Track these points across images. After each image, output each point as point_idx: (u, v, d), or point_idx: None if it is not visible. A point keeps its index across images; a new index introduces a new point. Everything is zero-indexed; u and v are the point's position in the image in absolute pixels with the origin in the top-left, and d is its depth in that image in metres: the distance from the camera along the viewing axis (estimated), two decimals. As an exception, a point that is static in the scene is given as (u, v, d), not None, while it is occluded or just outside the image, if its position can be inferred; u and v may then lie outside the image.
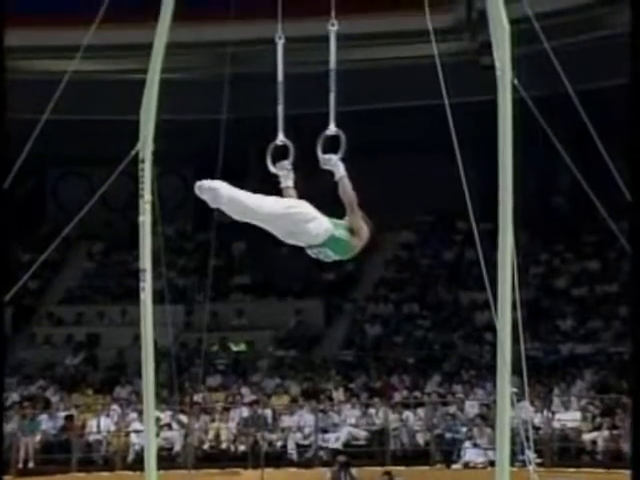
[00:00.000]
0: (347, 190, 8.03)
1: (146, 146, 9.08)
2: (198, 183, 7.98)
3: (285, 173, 8.24)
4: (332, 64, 8.27)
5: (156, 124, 9.10)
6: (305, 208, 8.04)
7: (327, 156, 8.05)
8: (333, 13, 8.18)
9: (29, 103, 13.27)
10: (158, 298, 9.51)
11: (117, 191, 9.41)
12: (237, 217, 8.13)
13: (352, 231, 8.14)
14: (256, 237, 29.41)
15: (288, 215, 7.99)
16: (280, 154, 8.27)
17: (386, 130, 25.17)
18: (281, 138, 8.23)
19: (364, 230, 8.18)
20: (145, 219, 9.09)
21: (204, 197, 7.94)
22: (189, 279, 27.73)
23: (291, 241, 8.23)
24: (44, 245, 10.33)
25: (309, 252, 8.31)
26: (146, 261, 9.13)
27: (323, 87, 8.27)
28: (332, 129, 8.09)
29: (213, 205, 7.96)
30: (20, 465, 22.46)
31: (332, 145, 8.08)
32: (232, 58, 18.47)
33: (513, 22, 8.54)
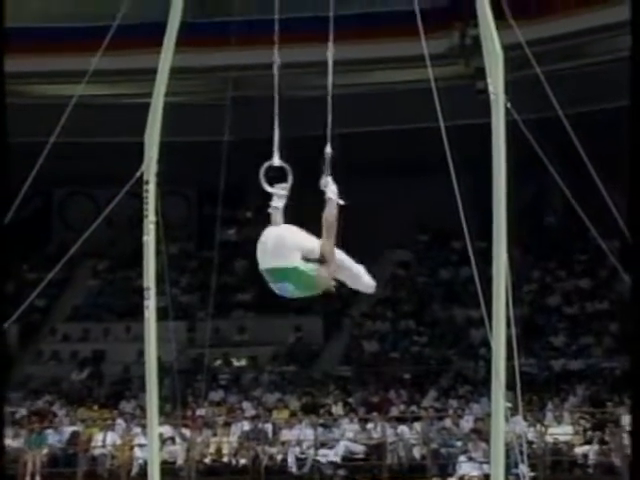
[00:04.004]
0: (331, 213, 7.88)
1: (150, 168, 9.09)
2: None
3: (280, 195, 8.15)
4: (329, 88, 8.27)
5: (160, 146, 9.13)
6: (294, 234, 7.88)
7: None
8: (331, 42, 8.19)
9: (37, 126, 13.29)
10: (162, 315, 9.51)
11: (122, 210, 9.40)
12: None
13: (320, 261, 7.91)
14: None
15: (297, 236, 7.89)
16: (279, 175, 8.24)
17: (384, 151, 25.21)
18: (277, 160, 8.18)
19: (333, 259, 7.99)
20: (149, 239, 9.10)
21: None
22: (192, 296, 27.74)
23: (262, 257, 8.00)
24: (50, 264, 10.32)
25: (272, 286, 8.08)
26: (150, 279, 9.13)
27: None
28: (328, 151, 8.06)
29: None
30: (27, 479, 22.39)
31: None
32: (234, 82, 18.52)
33: (506, 48, 8.58)
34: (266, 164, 8.06)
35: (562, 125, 8.90)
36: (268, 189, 8.11)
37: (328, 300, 27.98)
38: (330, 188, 7.94)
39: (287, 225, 7.98)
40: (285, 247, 7.82)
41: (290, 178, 8.12)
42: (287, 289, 7.97)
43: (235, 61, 19.10)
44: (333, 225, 7.92)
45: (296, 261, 7.83)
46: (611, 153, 19.29)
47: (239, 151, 13.73)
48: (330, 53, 8.26)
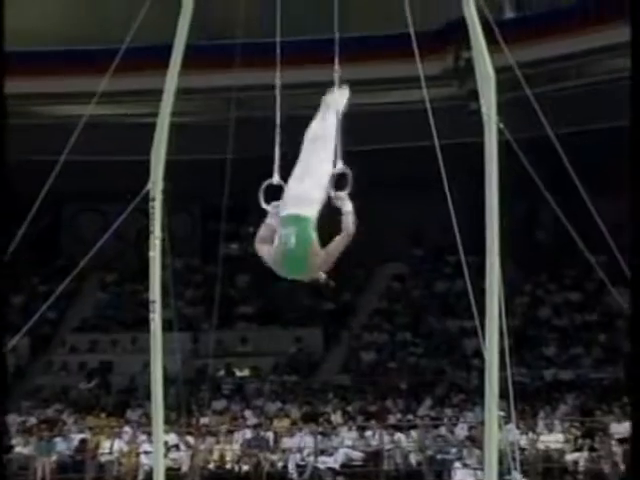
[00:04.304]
0: (350, 225, 7.73)
1: (156, 185, 9.10)
2: None
3: (274, 212, 8.08)
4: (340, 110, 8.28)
5: (166, 164, 9.14)
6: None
7: (338, 192, 7.85)
8: (337, 64, 8.21)
9: (48, 145, 13.31)
10: (167, 327, 9.51)
11: (129, 226, 9.41)
12: (314, 127, 8.05)
13: (322, 246, 7.77)
14: (260, 270, 29.56)
15: (324, 175, 7.81)
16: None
17: (380, 168, 25.22)
18: (276, 179, 8.14)
19: (331, 257, 7.81)
20: (155, 254, 9.10)
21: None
22: (196, 309, 27.70)
23: (292, 189, 7.83)
24: (60, 276, 10.32)
25: (275, 241, 7.81)
26: (156, 293, 9.13)
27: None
28: (340, 167, 8.04)
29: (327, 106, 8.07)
30: (37, 484, 22.39)
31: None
32: (237, 103, 18.52)
33: (498, 71, 8.61)
34: (265, 182, 8.05)
35: (552, 144, 8.92)
36: (264, 206, 8.09)
37: (327, 312, 28.04)
38: (345, 203, 7.82)
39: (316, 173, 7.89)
40: (307, 196, 7.75)
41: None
42: (289, 239, 7.68)
43: (238, 82, 19.10)
44: (350, 235, 7.77)
45: (310, 214, 7.72)
46: (599, 172, 19.36)
47: (242, 169, 13.72)
48: (337, 75, 8.26)
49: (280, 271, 7.95)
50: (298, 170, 7.92)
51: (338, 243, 7.77)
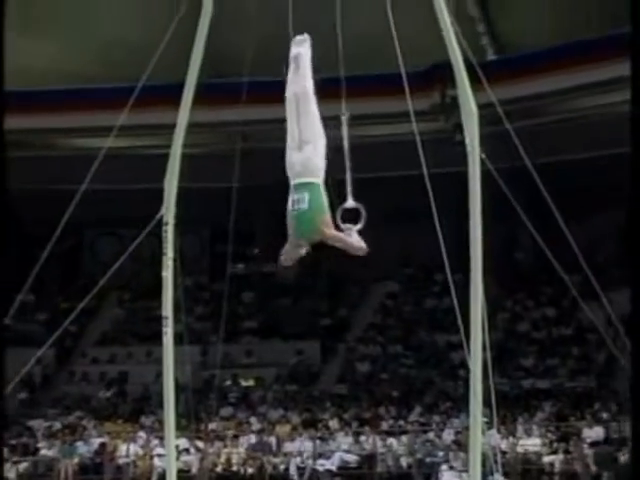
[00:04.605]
0: (349, 245, 7.76)
1: (169, 210, 9.10)
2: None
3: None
4: (345, 142, 8.28)
5: (177, 191, 9.13)
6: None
7: (347, 225, 7.89)
8: (344, 106, 8.22)
9: (71, 174, 13.30)
10: (178, 340, 9.48)
11: (144, 248, 9.39)
12: (289, 101, 7.76)
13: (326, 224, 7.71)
14: (263, 288, 29.53)
15: (319, 137, 7.72)
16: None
17: (374, 195, 25.22)
18: (351, 202, 8.02)
19: (336, 240, 7.74)
20: (167, 274, 9.09)
21: (292, 52, 7.76)
22: (205, 324, 27.66)
23: (294, 162, 7.75)
24: (81, 294, 10.29)
25: (288, 206, 7.75)
26: (168, 309, 9.12)
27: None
28: (350, 203, 8.02)
29: (291, 61, 7.75)
30: (60, 484, 22.33)
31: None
32: (242, 136, 18.55)
33: (480, 107, 8.62)
34: (341, 207, 7.89)
35: (530, 173, 8.93)
36: (342, 225, 7.90)
37: (325, 326, 27.98)
38: (353, 235, 7.81)
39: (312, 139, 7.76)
40: (314, 163, 7.70)
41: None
42: (303, 201, 7.65)
43: (243, 117, 19.14)
44: (347, 247, 7.80)
45: (319, 179, 7.70)
46: (572, 198, 19.36)
47: (246, 196, 13.72)
48: (345, 117, 8.26)
49: (292, 232, 7.82)
50: (293, 137, 7.78)
51: (345, 239, 7.77)
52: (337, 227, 7.87)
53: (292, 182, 7.78)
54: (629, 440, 20.97)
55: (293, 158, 7.77)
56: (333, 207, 7.85)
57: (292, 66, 7.89)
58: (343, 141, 8.22)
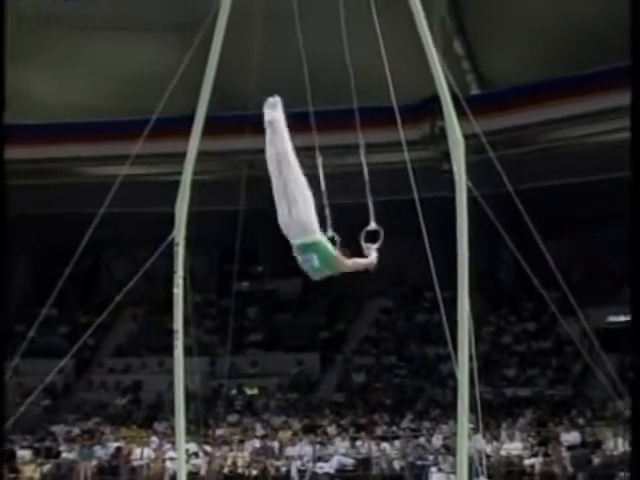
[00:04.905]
0: (361, 264, 7.78)
1: (179, 233, 9.08)
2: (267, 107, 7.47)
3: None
4: (364, 169, 8.27)
5: (188, 215, 9.12)
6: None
7: (368, 244, 7.97)
8: (361, 141, 8.23)
9: (90, 200, 13.29)
10: (188, 352, 9.44)
11: (157, 267, 9.37)
12: (271, 160, 7.46)
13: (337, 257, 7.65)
14: (267, 303, 29.48)
15: (305, 193, 7.47)
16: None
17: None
18: (373, 225, 8.10)
19: (356, 266, 7.77)
20: (178, 291, 9.06)
21: (266, 117, 7.46)
22: (213, 337, 27.60)
23: (287, 224, 7.51)
24: (99, 310, 10.27)
25: (298, 259, 7.60)
26: (179, 323, 9.08)
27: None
28: (373, 225, 8.07)
29: (267, 126, 7.45)
30: (80, 485, 22.26)
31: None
32: (248, 163, 18.54)
33: (466, 137, 8.62)
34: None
35: (512, 198, 8.93)
36: (365, 246, 7.92)
37: (324, 339, 27.92)
38: (372, 253, 7.88)
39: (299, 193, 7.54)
40: (307, 221, 7.51)
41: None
42: (313, 260, 7.53)
43: (249, 146, 19.14)
44: (359, 268, 7.82)
45: (318, 234, 7.56)
46: (551, 220, 19.36)
47: (252, 219, 13.73)
48: (361, 145, 8.26)
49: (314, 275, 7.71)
50: (279, 193, 7.53)
51: (360, 262, 7.80)
52: (357, 247, 7.86)
53: (293, 242, 7.59)
54: (603, 443, 20.98)
55: (287, 220, 7.51)
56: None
57: (268, 130, 7.60)
58: (363, 168, 8.20)
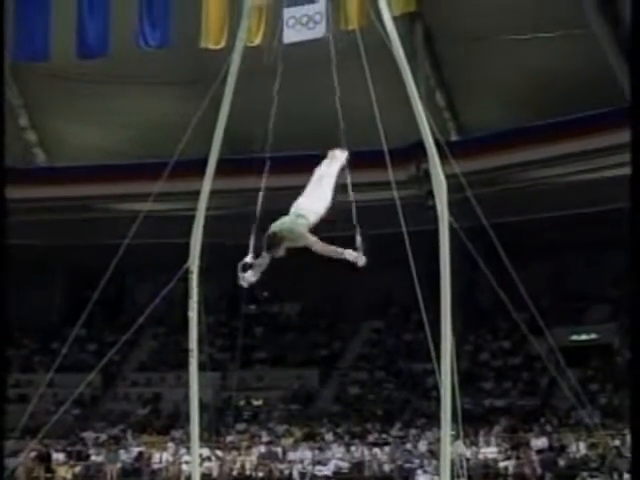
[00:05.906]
0: (335, 253, 7.68)
1: (194, 262, 9.09)
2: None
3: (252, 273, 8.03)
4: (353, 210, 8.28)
5: (201, 246, 9.12)
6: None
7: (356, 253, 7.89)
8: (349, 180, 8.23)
9: (116, 232, 13.29)
10: (202, 367, 9.41)
11: (174, 291, 9.38)
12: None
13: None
14: (271, 324, 29.38)
15: (327, 194, 7.85)
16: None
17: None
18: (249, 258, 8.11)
19: (316, 245, 7.62)
20: (193, 313, 9.06)
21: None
22: (224, 354, 27.46)
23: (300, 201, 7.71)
24: (123, 329, 10.24)
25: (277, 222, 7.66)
26: (193, 342, 9.08)
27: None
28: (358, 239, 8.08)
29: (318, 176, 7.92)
30: (107, 486, 22.16)
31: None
32: (256, 200, 18.55)
33: (448, 177, 8.64)
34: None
35: (488, 231, 8.94)
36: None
37: (322, 356, 27.79)
38: (361, 257, 7.83)
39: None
40: (314, 207, 7.70)
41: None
42: (286, 220, 7.63)
43: (256, 185, 19.17)
44: (325, 251, 7.65)
45: (309, 217, 7.64)
46: (523, 250, 19.35)
47: (260, 249, 13.70)
48: (349, 183, 8.27)
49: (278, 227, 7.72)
50: (307, 192, 7.83)
51: (334, 249, 7.69)
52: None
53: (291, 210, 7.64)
54: (567, 447, 21.06)
55: (300, 201, 7.75)
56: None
57: (328, 160, 8.01)
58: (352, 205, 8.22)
